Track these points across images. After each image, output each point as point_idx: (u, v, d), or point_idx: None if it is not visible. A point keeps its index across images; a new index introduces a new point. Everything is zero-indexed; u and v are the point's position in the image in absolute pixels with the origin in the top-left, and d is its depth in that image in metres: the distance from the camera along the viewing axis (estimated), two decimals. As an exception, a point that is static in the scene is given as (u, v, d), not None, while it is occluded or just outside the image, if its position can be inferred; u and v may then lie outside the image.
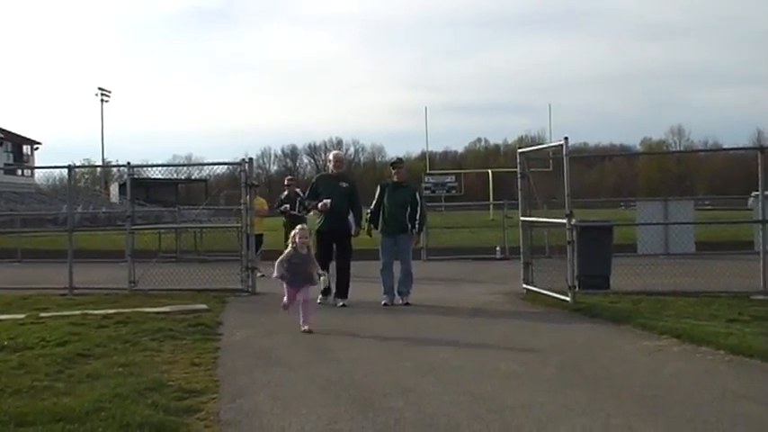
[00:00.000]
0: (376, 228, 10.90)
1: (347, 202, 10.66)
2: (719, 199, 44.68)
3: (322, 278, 9.35)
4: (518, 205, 12.08)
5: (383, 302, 10.51)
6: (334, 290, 10.58)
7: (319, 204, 10.48)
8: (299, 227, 8.90)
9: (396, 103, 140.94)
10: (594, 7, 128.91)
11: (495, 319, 9.33)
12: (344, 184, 10.75)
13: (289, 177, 16.50)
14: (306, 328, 8.34)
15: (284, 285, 8.62)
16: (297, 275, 8.54)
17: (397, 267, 10.75)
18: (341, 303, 10.40)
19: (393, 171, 11.06)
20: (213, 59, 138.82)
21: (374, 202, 10.93)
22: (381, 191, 10.91)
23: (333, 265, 10.62)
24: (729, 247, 18.05)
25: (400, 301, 10.53)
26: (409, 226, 10.75)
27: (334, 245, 10.59)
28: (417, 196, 10.92)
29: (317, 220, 10.68)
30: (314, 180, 11.08)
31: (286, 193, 15.09)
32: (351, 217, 10.85)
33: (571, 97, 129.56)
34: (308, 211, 11.24)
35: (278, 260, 8.63)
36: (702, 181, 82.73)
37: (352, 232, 10.79)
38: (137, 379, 6.01)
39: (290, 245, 8.66)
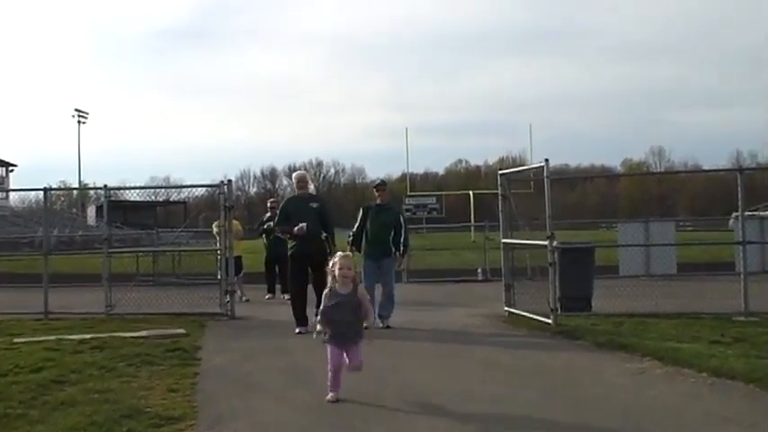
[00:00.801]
0: (358, 251, 10.79)
1: (320, 223, 10.44)
2: (700, 220, 45.12)
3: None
4: (499, 227, 12.13)
5: (364, 327, 10.37)
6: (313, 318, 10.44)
7: (295, 229, 10.27)
8: (339, 254, 6.54)
9: (376, 124, 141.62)
10: (572, 27, 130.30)
11: (477, 343, 9.31)
12: (315, 204, 10.59)
13: (272, 200, 16.49)
14: (331, 396, 6.18)
15: (326, 339, 6.31)
16: (341, 327, 6.20)
17: (378, 290, 10.73)
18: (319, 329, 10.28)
19: (376, 193, 11.04)
20: (191, 80, 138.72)
21: (356, 224, 10.89)
22: (364, 213, 10.89)
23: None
24: (711, 269, 18.21)
25: (380, 325, 10.42)
26: (393, 249, 10.79)
27: (310, 269, 10.39)
28: (401, 219, 10.97)
29: (290, 244, 10.56)
30: (283, 203, 11.00)
31: (269, 215, 15.04)
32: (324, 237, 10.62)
33: (552, 117, 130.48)
34: (278, 235, 11.04)
35: (320, 309, 6.48)
36: (683, 201, 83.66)
37: (329, 254, 10.67)
38: (113, 406, 5.93)
39: (330, 280, 6.39)
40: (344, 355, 6.18)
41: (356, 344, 6.21)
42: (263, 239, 15.39)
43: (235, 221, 14.28)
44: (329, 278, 6.35)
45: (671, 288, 13.25)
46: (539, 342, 9.27)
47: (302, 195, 10.76)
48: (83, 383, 6.85)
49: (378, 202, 10.96)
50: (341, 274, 6.25)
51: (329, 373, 6.19)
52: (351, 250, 10.74)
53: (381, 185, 11.28)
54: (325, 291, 6.36)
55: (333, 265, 6.34)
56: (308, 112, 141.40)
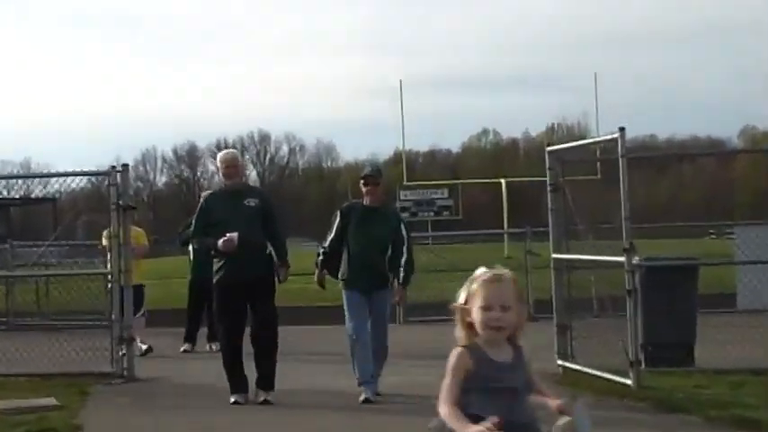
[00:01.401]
0: (332, 275, 10.71)
1: (259, 230, 10.35)
2: None
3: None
4: (548, 235, 12.15)
5: (363, 397, 10.18)
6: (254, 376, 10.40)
7: (220, 242, 10.08)
8: (482, 274, 4.66)
9: (351, 76, 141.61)
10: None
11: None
12: (252, 202, 10.49)
13: (206, 193, 16.41)
14: None
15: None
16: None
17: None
18: (263, 398, 10.19)
19: (364, 188, 10.74)
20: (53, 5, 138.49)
21: (331, 235, 10.71)
22: (343, 219, 10.65)
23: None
24: None
25: (365, 396, 10.22)
26: (390, 276, 10.61)
27: (248, 303, 10.32)
28: (402, 228, 10.78)
29: (215, 266, 10.43)
30: (202, 201, 10.96)
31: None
32: (269, 252, 10.63)
33: (629, 62, 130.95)
34: (209, 251, 10.71)
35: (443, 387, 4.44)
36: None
37: (279, 278, 10.62)
38: None
39: (461, 332, 4.64)
40: None
41: None
42: (189, 256, 15.30)
43: (136, 229, 14.28)
44: (460, 329, 4.64)
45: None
46: (612, 417, 9.17)
47: (233, 188, 10.68)
48: None
49: (366, 201, 10.73)
50: (489, 321, 4.46)
51: None
52: (320, 276, 10.79)
53: (373, 175, 10.91)
54: (455, 360, 4.49)
55: (468, 296, 4.60)
56: (244, 58, 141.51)
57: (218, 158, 11.09)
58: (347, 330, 10.48)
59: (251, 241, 10.12)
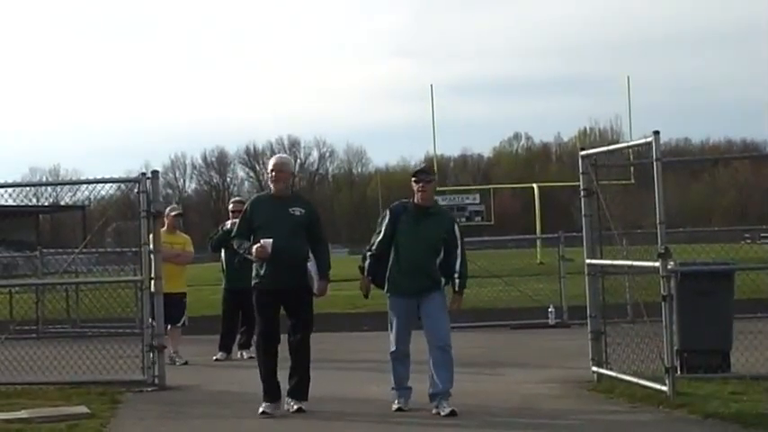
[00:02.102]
0: (378, 284, 10.28)
1: (301, 241, 10.22)
2: None
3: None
4: (581, 240, 12.08)
5: (395, 406, 10.07)
6: (287, 386, 10.23)
7: (254, 247, 10.06)
8: None
9: (382, 81, 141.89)
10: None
11: (552, 426, 9.27)
12: (297, 211, 10.30)
13: (236, 200, 16.41)
14: None
15: None
16: None
17: (418, 344, 10.21)
18: (296, 407, 10.04)
19: (416, 186, 10.25)
20: (87, 20, 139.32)
21: (378, 237, 10.25)
22: (393, 219, 10.23)
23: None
24: None
25: (444, 411, 9.69)
26: (442, 281, 10.16)
27: (283, 309, 10.26)
28: (456, 230, 10.28)
29: (254, 270, 10.33)
30: (247, 206, 10.75)
31: (230, 223, 14.91)
32: (311, 265, 10.37)
33: (662, 65, 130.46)
34: (243, 257, 10.65)
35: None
36: None
37: (315, 289, 10.34)
38: None
39: None
40: None
41: None
42: (222, 264, 15.28)
43: (183, 236, 14.32)
44: None
45: None
46: (648, 422, 9.21)
47: (277, 195, 10.42)
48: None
49: (418, 200, 10.25)
50: None
51: None
52: (366, 283, 10.35)
53: (425, 174, 10.51)
54: None
55: None
56: (274, 64, 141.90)
57: (270, 162, 10.71)
58: (390, 347, 10.11)
59: (292, 250, 10.04)
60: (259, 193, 10.91)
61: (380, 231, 10.25)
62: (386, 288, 10.17)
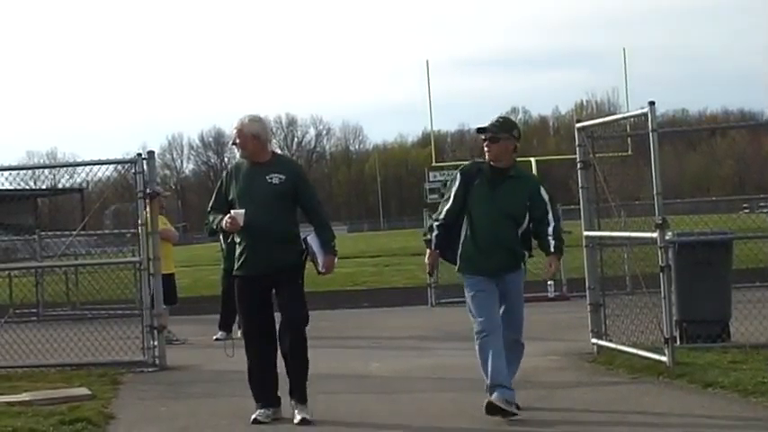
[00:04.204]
0: (447, 257, 8.85)
1: (281, 214, 8.71)
2: None
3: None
4: (579, 213, 12.08)
5: (490, 402, 8.24)
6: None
7: (224, 219, 8.67)
8: None
9: (377, 58, 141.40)
10: None
11: (552, 398, 9.31)
12: (275, 178, 8.76)
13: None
14: None
15: None
16: None
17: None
18: (300, 417, 8.56)
19: (485, 143, 8.74)
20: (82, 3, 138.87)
21: (447, 205, 8.73)
22: (464, 182, 8.70)
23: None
24: None
25: (513, 406, 8.27)
26: (525, 254, 8.78)
27: (269, 294, 8.86)
28: (543, 194, 8.69)
29: (237, 252, 8.94)
30: (224, 174, 9.30)
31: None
32: (311, 238, 8.87)
33: (658, 37, 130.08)
34: (219, 233, 9.64)
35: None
36: None
37: (320, 266, 8.86)
38: None
39: None
40: None
41: None
42: (221, 245, 15.34)
43: (159, 218, 14.35)
44: None
45: None
46: (649, 392, 9.24)
47: (257, 160, 8.92)
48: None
49: (489, 159, 8.72)
50: None
51: None
52: (433, 258, 8.95)
53: (497, 128, 8.77)
54: None
55: None
56: (270, 44, 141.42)
57: (234, 124, 9.10)
58: (475, 327, 8.46)
59: (266, 226, 8.57)
60: (238, 160, 9.34)
61: (449, 197, 8.70)
62: (458, 266, 8.71)
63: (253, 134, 8.87)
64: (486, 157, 8.65)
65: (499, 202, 8.47)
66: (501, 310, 8.56)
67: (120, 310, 16.59)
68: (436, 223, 8.72)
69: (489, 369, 8.27)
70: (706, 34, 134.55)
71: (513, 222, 8.53)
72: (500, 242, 8.49)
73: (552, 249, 8.56)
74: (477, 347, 8.44)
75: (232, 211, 8.56)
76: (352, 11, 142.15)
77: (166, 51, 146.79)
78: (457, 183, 8.67)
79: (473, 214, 8.53)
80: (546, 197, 8.63)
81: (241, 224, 8.49)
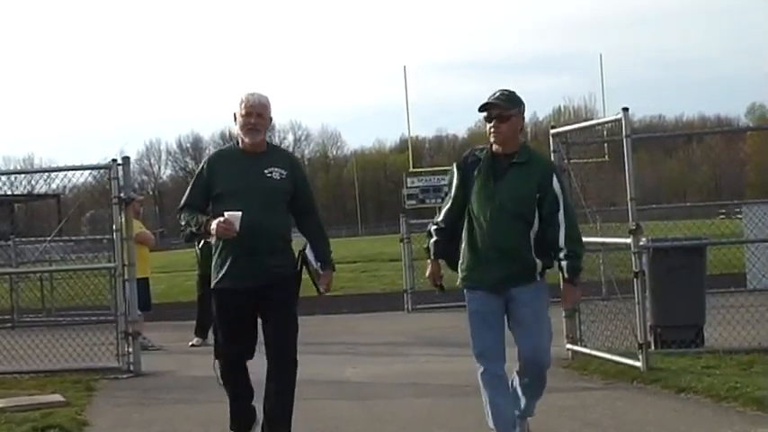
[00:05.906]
0: (451, 265, 7.33)
1: (282, 215, 7.42)
2: None
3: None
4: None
5: None
6: (260, 415, 7.75)
7: (215, 223, 7.12)
8: None
9: (355, 63, 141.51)
10: None
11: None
12: (276, 173, 7.38)
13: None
14: None
15: None
16: None
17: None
18: None
19: (490, 126, 7.05)
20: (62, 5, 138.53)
21: (446, 205, 7.33)
22: (463, 175, 7.16)
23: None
24: None
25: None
26: (540, 263, 7.08)
27: (258, 314, 7.48)
28: (555, 183, 7.03)
29: (214, 261, 7.49)
30: (204, 165, 7.69)
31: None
32: (308, 252, 7.59)
33: (635, 43, 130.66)
34: (198, 238, 7.84)
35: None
36: None
37: (319, 286, 7.73)
38: None
39: None
40: None
41: None
42: (196, 249, 15.33)
43: (135, 223, 14.33)
44: None
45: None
46: (622, 398, 9.28)
47: (252, 149, 7.45)
48: None
49: (493, 145, 7.14)
50: None
51: None
52: (435, 269, 7.36)
53: (507, 101, 7.06)
54: None
55: None
56: (247, 50, 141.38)
57: (240, 100, 7.43)
58: (473, 352, 7.16)
59: (267, 230, 7.23)
60: (221, 148, 8.06)
61: (448, 196, 7.30)
62: (461, 274, 7.22)
63: (270, 116, 7.51)
64: (493, 140, 7.03)
65: (502, 196, 6.89)
66: (516, 334, 7.05)
67: (96, 317, 16.55)
68: (435, 228, 7.27)
69: (491, 411, 7.05)
70: (682, 40, 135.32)
71: (521, 222, 6.93)
72: (504, 247, 6.90)
73: (567, 273, 6.96)
74: (479, 379, 7.13)
75: (226, 213, 7.03)
76: (331, 16, 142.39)
77: (144, 57, 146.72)
78: (455, 177, 7.16)
79: (472, 213, 7.03)
80: (558, 190, 6.98)
81: (237, 229, 7.00)
